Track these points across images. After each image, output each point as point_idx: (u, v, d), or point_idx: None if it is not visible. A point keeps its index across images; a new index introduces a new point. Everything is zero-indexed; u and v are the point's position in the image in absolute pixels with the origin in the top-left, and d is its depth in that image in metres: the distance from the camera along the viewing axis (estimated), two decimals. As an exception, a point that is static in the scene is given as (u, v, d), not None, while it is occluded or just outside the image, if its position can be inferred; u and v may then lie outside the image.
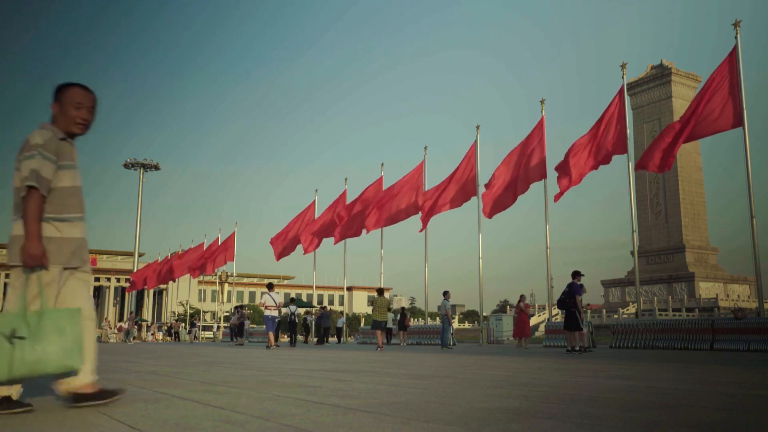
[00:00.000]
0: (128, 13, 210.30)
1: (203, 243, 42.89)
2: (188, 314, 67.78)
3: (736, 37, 17.26)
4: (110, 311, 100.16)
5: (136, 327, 50.10)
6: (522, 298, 21.41)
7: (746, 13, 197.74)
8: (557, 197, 21.03)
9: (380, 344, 18.99)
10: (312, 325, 35.72)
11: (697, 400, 4.13)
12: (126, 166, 71.54)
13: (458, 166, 25.33)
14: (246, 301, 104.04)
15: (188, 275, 44.58)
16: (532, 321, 30.79)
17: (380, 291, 20.76)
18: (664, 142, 18.20)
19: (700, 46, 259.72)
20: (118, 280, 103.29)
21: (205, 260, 41.05)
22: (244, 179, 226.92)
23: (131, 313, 49.75)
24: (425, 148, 27.64)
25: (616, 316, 47.33)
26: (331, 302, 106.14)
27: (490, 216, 23.25)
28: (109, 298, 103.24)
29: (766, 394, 4.67)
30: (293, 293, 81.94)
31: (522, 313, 20.96)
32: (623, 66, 21.18)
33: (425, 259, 27.82)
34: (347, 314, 61.09)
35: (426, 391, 4.72)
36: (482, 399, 4.18)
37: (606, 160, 20.23)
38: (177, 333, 50.41)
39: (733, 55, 17.21)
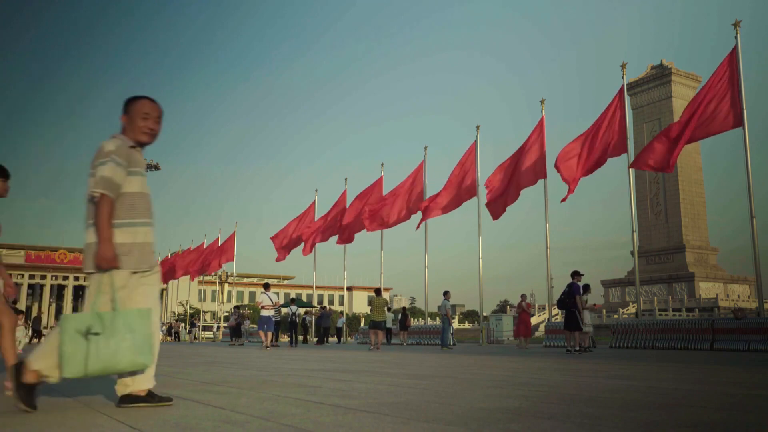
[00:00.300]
0: (128, 13, 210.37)
1: (203, 243, 42.88)
2: (188, 314, 67.78)
3: (736, 37, 17.25)
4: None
5: None
6: (523, 297, 21.42)
7: (746, 13, 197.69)
8: (565, 198, 20.87)
9: (375, 344, 19.14)
10: (311, 325, 35.73)
11: (697, 400, 4.13)
12: (126, 166, 71.33)
13: (455, 169, 25.25)
14: (246, 301, 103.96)
15: (188, 275, 44.60)
16: (532, 321, 30.76)
17: (378, 291, 20.84)
18: (663, 143, 18.17)
19: (700, 46, 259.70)
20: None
21: (205, 260, 41.03)
22: (244, 179, 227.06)
23: None
24: (425, 148, 27.64)
25: (616, 316, 47.38)
26: (331, 302, 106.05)
27: (496, 218, 23.28)
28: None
29: (766, 394, 4.67)
30: (293, 293, 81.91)
31: (523, 312, 20.96)
32: (623, 66, 21.17)
33: (425, 259, 27.84)
34: (347, 314, 61.15)
35: (426, 391, 4.72)
36: (482, 399, 4.18)
37: (603, 160, 20.19)
38: (177, 333, 50.41)
39: (733, 55, 17.20)
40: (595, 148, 20.27)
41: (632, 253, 21.28)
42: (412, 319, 39.83)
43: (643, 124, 60.44)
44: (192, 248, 44.66)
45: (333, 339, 37.43)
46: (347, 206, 29.85)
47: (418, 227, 26.29)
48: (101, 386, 5.23)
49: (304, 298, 71.38)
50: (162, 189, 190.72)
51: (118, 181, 3.55)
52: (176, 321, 62.14)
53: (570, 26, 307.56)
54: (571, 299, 15.49)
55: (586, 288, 16.45)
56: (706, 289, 55.67)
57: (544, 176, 22.07)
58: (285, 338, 33.26)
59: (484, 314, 30.77)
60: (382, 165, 29.48)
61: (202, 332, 52.57)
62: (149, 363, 3.49)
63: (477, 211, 24.67)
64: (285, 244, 32.83)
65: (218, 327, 55.23)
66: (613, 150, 20.09)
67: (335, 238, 30.20)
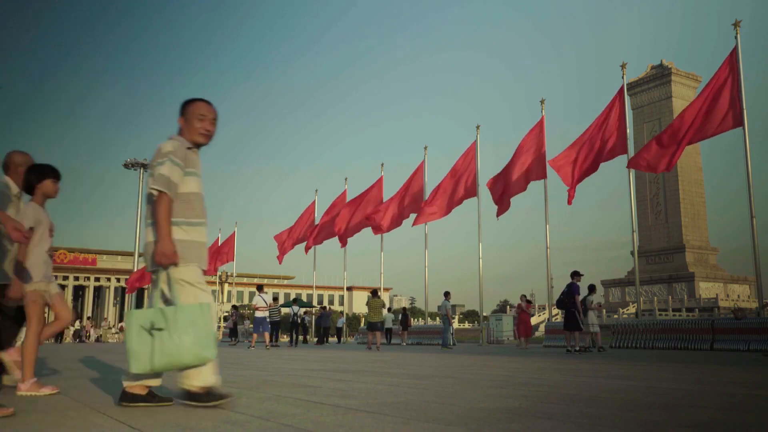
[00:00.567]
0: (128, 13, 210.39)
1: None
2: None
3: (736, 37, 17.24)
4: (110, 311, 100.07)
5: None
6: (523, 297, 21.43)
7: (746, 13, 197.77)
8: (570, 200, 20.75)
9: (372, 344, 19.26)
10: (310, 325, 35.75)
11: (697, 400, 4.13)
12: (126, 166, 71.25)
13: (446, 176, 25.19)
14: (246, 301, 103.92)
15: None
16: (532, 321, 30.79)
17: (374, 292, 20.97)
18: (662, 144, 18.14)
19: (700, 46, 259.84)
20: (118, 280, 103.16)
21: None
22: (244, 179, 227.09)
23: None
24: (425, 148, 27.64)
25: (616, 316, 47.36)
26: (331, 302, 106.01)
27: (499, 216, 23.25)
28: (109, 298, 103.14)
29: (766, 394, 4.66)
30: (293, 293, 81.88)
31: (523, 312, 20.97)
32: (623, 66, 21.16)
33: (425, 259, 27.83)
34: (347, 314, 61.09)
35: (426, 391, 4.72)
36: (482, 399, 4.18)
37: (601, 161, 20.15)
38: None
39: (733, 55, 17.19)
40: (593, 151, 20.24)
41: (632, 253, 21.27)
42: (412, 319, 39.90)
43: (643, 124, 60.44)
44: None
45: (333, 339, 37.42)
46: (342, 209, 29.77)
47: (414, 225, 26.26)
48: (101, 386, 5.23)
49: (305, 298, 71.34)
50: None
51: (176, 180, 3.63)
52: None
53: (570, 26, 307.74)
54: (570, 299, 15.51)
55: (592, 288, 16.45)
56: (706, 289, 55.66)
57: (545, 176, 22.06)
58: (285, 338, 33.28)
59: (484, 314, 30.76)
60: (382, 165, 29.51)
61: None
62: (213, 357, 3.54)
63: (477, 211, 24.69)
64: (286, 245, 32.94)
65: (218, 327, 55.23)
66: (613, 151, 20.07)
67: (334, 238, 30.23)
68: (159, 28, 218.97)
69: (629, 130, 20.30)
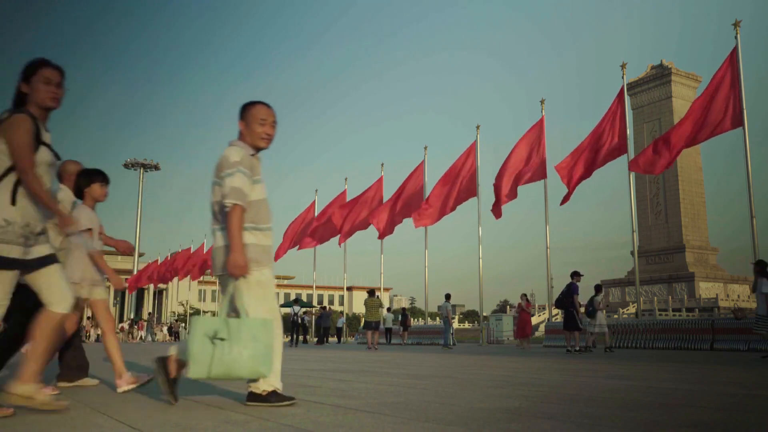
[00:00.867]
0: (128, 13, 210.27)
1: (203, 243, 42.90)
2: (188, 314, 67.75)
3: (736, 37, 17.23)
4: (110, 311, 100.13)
5: (146, 326, 50.27)
6: (523, 296, 21.45)
7: (746, 13, 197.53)
8: (563, 201, 20.80)
9: (371, 344, 19.38)
10: (310, 325, 35.75)
11: (697, 400, 4.13)
12: (126, 166, 71.39)
13: (450, 170, 25.17)
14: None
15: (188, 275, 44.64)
16: (533, 321, 30.79)
17: (371, 292, 21.08)
18: (663, 145, 18.14)
19: (700, 46, 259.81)
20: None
21: (205, 260, 41.05)
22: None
23: (150, 314, 50.30)
24: (425, 148, 27.61)
25: (616, 316, 47.34)
26: (331, 302, 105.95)
27: (498, 216, 23.26)
28: (109, 298, 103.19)
29: (766, 394, 4.67)
30: (293, 293, 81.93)
31: (523, 312, 20.98)
32: (623, 66, 21.16)
33: (425, 260, 27.83)
34: (347, 314, 61.06)
35: (426, 391, 4.72)
36: (482, 399, 4.18)
37: (605, 161, 20.17)
38: (177, 333, 50.44)
39: (733, 55, 17.19)
40: (595, 153, 20.24)
41: (632, 253, 21.28)
42: (412, 319, 39.91)
43: (643, 124, 60.41)
44: (192, 248, 44.69)
45: (333, 339, 37.42)
46: (341, 208, 29.77)
47: (416, 227, 26.25)
48: (101, 386, 5.24)
49: (305, 298, 71.37)
50: (162, 189, 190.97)
51: (247, 191, 3.70)
52: (176, 321, 62.15)
53: (570, 26, 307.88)
54: (569, 299, 15.51)
55: (599, 288, 16.43)
56: (706, 289, 55.63)
57: (545, 176, 22.06)
58: (285, 338, 33.27)
59: (484, 314, 30.76)
60: (382, 165, 29.50)
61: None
62: (267, 374, 3.59)
63: (477, 211, 24.67)
64: (287, 245, 32.99)
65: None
66: (613, 152, 20.06)
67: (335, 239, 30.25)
68: (159, 28, 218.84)
69: (629, 131, 20.31)
